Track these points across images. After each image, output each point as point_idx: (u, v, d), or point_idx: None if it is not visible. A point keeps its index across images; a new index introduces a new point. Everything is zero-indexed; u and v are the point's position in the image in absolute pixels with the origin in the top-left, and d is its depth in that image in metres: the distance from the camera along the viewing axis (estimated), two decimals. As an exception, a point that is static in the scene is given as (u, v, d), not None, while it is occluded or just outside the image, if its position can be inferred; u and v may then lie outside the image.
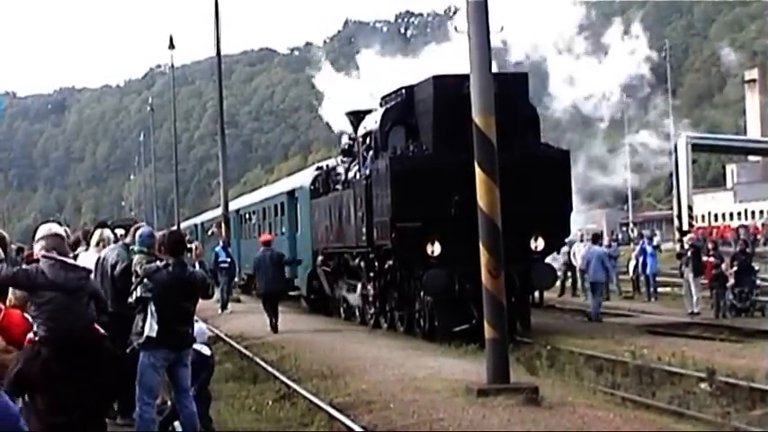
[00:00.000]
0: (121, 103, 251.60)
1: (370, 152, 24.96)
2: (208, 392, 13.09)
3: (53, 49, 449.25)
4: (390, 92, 25.26)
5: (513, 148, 21.21)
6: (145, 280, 11.26)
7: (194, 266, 13.27)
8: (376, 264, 24.82)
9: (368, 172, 24.66)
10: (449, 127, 21.75)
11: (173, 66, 69.04)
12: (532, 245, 22.69)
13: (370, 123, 25.55)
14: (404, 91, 24.33)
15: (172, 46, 58.55)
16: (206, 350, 12.83)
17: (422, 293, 22.79)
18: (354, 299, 27.35)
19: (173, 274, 11.23)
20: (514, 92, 22.64)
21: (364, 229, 24.28)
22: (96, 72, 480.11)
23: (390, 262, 23.90)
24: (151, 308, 11.03)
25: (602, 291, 29.79)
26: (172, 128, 73.84)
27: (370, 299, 26.03)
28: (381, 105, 25.56)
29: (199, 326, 13.00)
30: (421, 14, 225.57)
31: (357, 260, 26.30)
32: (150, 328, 10.98)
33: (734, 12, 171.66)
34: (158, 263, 11.52)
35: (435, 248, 22.05)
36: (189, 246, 15.82)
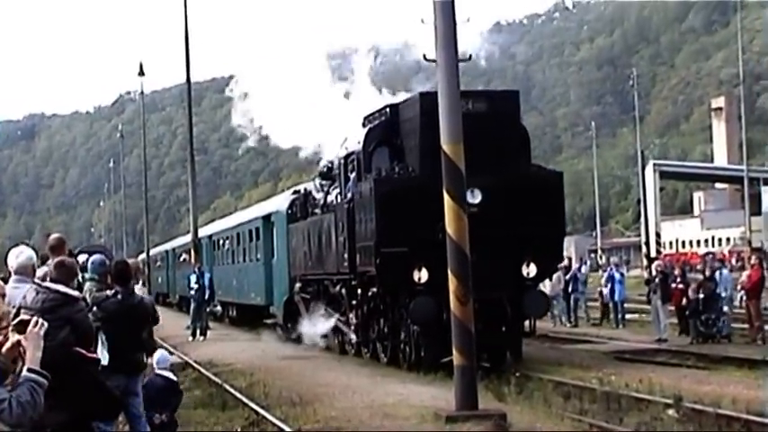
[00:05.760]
0: (91, 129, 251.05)
1: (353, 174, 23.96)
2: (174, 419, 13.10)
3: (23, 76, 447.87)
4: (373, 111, 24.15)
5: (503, 169, 20.88)
6: (94, 308, 11.26)
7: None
8: (359, 291, 23.72)
9: (350, 195, 23.62)
10: (436, 147, 20.53)
11: (142, 92, 68.88)
12: (524, 271, 21.51)
13: (353, 144, 24.56)
14: (388, 110, 23.27)
15: (142, 73, 58.46)
16: (173, 376, 12.89)
17: (408, 322, 21.69)
18: (328, 326, 26.40)
19: (121, 302, 11.39)
20: (505, 111, 21.89)
21: (346, 255, 23.31)
22: (66, 98, 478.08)
23: (374, 289, 22.76)
24: (101, 336, 10.99)
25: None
26: (142, 154, 73.66)
27: (352, 327, 25.05)
28: (364, 125, 24.35)
29: (161, 353, 13.09)
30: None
31: (338, 287, 25.34)
32: (102, 356, 10.97)
33: (700, 41, 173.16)
34: (108, 291, 11.64)
35: (422, 275, 20.73)
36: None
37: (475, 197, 20.60)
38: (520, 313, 21.86)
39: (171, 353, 28.20)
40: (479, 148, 20.14)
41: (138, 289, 12.87)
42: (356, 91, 27.98)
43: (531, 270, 21.62)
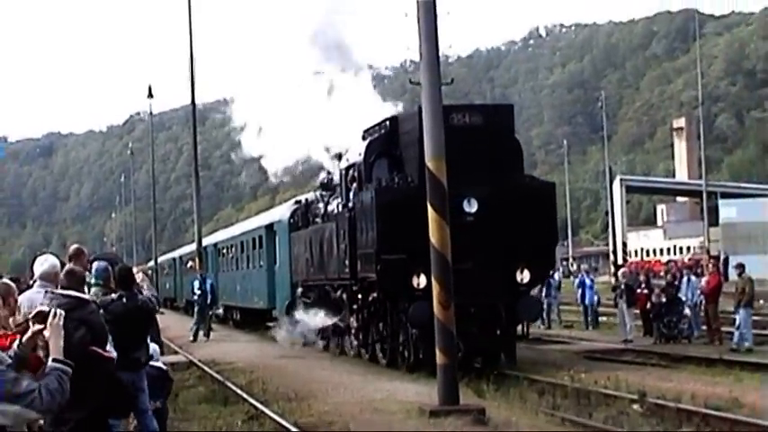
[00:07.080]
0: (104, 147, 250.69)
1: (354, 184, 23.36)
2: (166, 406, 13.15)
3: (42, 97, 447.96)
4: (374, 124, 23.53)
5: (498, 179, 20.54)
6: (101, 311, 11.27)
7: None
8: (359, 296, 23.18)
9: (351, 204, 23.06)
10: None
11: (151, 113, 69.12)
12: (518, 277, 20.93)
13: (354, 155, 23.98)
14: (388, 123, 22.71)
15: (150, 95, 58.46)
16: (163, 365, 12.94)
17: (407, 326, 21.04)
18: (328, 329, 25.99)
19: (126, 305, 11.45)
20: (500, 123, 21.46)
21: (347, 262, 22.69)
22: (81, 118, 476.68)
23: (374, 294, 22.24)
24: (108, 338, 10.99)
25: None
26: (150, 170, 73.67)
27: (352, 330, 24.55)
28: (364, 138, 23.76)
29: (152, 346, 13.14)
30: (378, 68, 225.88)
31: (339, 292, 24.83)
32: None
33: (662, 66, 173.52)
34: (113, 295, 11.67)
35: (421, 281, 19.88)
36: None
37: (471, 206, 20.37)
38: (514, 318, 21.37)
39: (176, 352, 28.25)
40: (475, 159, 20.04)
41: (146, 289, 12.84)
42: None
43: (524, 276, 21.08)
